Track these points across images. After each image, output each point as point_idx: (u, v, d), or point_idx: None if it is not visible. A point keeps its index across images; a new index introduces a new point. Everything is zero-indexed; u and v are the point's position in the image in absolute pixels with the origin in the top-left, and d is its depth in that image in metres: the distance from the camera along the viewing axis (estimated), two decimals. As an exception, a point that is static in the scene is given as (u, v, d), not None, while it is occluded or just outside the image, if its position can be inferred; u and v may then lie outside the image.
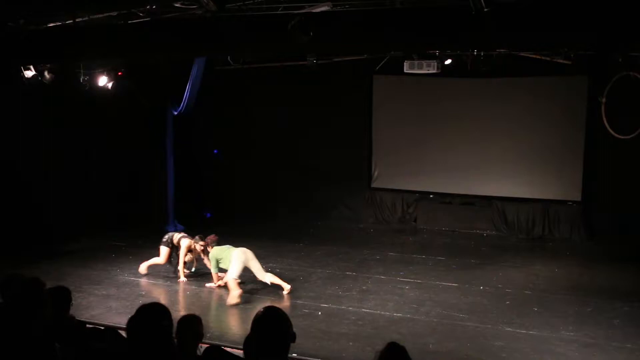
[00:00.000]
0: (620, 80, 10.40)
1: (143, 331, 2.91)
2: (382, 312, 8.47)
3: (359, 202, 14.43)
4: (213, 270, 9.44)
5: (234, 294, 8.77)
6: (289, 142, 14.47)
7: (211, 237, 9.65)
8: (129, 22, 8.11)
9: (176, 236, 10.00)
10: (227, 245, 9.41)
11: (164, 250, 9.97)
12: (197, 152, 14.84)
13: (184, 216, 13.48)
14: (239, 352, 4.94)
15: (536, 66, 12.00)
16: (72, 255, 11.24)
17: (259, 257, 10.20)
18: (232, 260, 9.04)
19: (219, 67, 13.18)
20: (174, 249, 9.94)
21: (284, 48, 8.18)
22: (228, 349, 5.13)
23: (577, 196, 12.79)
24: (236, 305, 8.71)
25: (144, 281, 9.84)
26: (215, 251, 9.38)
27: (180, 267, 9.82)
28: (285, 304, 8.75)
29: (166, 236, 10.08)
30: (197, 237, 9.83)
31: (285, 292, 9.17)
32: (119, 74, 11.62)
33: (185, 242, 9.81)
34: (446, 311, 8.53)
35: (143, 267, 10.07)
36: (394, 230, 13.76)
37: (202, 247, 9.66)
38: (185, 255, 9.81)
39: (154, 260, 10.03)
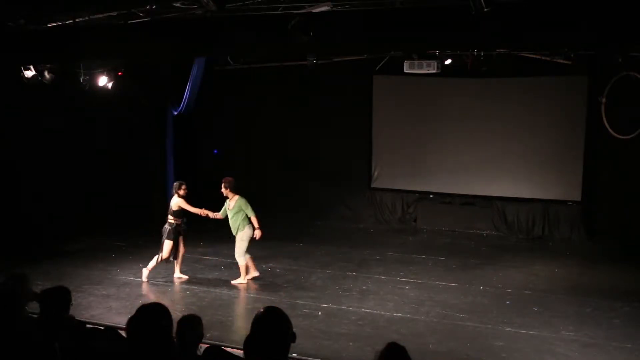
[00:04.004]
0: (620, 80, 10.42)
1: (143, 331, 2.90)
2: (382, 312, 8.48)
3: (359, 202, 14.42)
4: (252, 214, 9.60)
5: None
6: (289, 142, 14.47)
7: (231, 180, 9.81)
8: (129, 22, 8.11)
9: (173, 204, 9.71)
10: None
11: (168, 244, 9.61)
12: (197, 152, 14.83)
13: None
14: (239, 352, 4.94)
15: (536, 66, 12.01)
16: (72, 255, 11.24)
17: (258, 257, 10.24)
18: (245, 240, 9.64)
19: (219, 67, 13.18)
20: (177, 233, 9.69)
21: (284, 48, 8.17)
22: (228, 349, 5.13)
23: (577, 196, 12.78)
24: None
25: (143, 281, 9.83)
26: (244, 200, 9.66)
27: (196, 210, 9.67)
28: (285, 304, 8.74)
29: (169, 226, 9.66)
30: (175, 184, 9.85)
31: (233, 282, 9.73)
32: (119, 74, 11.61)
33: (175, 200, 9.64)
34: (446, 311, 8.53)
35: (145, 274, 9.75)
36: (394, 230, 13.76)
37: (185, 189, 9.70)
38: (189, 205, 9.65)
39: (155, 259, 9.66)
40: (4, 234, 10.54)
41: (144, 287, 9.61)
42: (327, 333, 7.69)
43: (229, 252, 10.43)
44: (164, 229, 9.73)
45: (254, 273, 9.83)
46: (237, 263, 9.70)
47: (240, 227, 9.59)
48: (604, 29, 5.88)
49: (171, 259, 9.80)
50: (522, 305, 8.84)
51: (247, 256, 9.70)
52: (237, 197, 9.66)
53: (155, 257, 9.69)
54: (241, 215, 9.60)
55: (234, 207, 9.61)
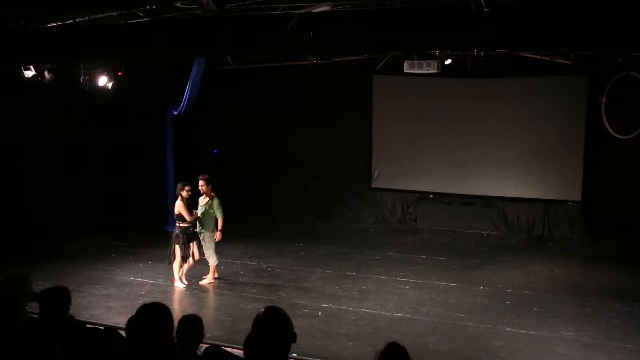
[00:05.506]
0: (620, 80, 10.41)
1: (143, 331, 2.90)
2: (382, 312, 8.48)
3: (359, 202, 14.42)
4: (220, 216, 9.54)
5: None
6: (289, 142, 14.46)
7: (209, 177, 9.73)
8: (129, 22, 8.10)
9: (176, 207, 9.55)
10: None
11: (176, 249, 9.45)
12: (197, 152, 14.83)
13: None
14: (239, 352, 4.94)
15: (536, 66, 11.99)
16: (72, 255, 11.24)
17: (259, 257, 10.20)
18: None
19: (219, 67, 13.17)
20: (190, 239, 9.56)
21: (284, 48, 8.16)
22: (228, 349, 5.13)
23: (577, 196, 12.78)
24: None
25: (144, 281, 9.84)
26: (217, 201, 9.63)
27: (191, 217, 9.48)
28: (285, 304, 8.74)
29: (177, 230, 9.51)
30: (178, 186, 9.68)
31: (201, 282, 9.70)
32: (119, 74, 11.61)
33: (177, 204, 9.46)
34: (446, 311, 8.53)
35: (180, 279, 9.60)
36: (394, 230, 13.76)
37: (189, 191, 9.53)
38: (188, 208, 9.46)
39: (178, 263, 9.49)
40: (4, 234, 10.54)
41: (144, 287, 9.60)
42: (327, 333, 7.69)
43: (228, 252, 10.44)
44: (173, 233, 9.63)
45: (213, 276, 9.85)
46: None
47: (207, 225, 9.59)
48: (604, 29, 5.87)
49: (191, 260, 9.62)
50: (522, 305, 8.84)
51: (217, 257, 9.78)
52: (212, 195, 9.68)
53: (175, 266, 9.55)
54: (210, 214, 9.60)
55: (205, 204, 9.63)
